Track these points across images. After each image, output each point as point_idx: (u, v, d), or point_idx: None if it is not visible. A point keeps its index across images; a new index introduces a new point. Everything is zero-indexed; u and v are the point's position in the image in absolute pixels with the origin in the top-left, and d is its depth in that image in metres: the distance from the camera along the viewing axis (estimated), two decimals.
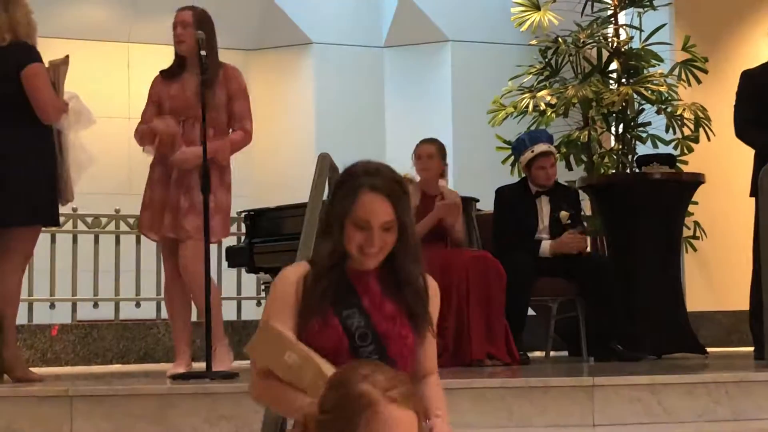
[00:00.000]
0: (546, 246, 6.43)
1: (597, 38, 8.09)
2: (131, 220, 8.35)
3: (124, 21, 11.02)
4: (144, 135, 5.45)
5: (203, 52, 5.13)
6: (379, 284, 2.74)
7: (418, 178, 6.59)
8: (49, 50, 5.45)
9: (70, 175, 5.29)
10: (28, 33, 5.20)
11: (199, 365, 5.61)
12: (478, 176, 8.98)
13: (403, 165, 7.49)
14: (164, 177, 5.44)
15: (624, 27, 8.14)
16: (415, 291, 2.75)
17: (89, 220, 8.26)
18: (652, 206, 6.76)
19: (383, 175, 2.71)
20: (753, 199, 5.86)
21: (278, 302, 2.69)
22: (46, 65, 5.27)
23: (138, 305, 8.42)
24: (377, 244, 2.66)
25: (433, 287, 2.84)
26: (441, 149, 6.46)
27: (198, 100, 5.17)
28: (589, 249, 7.05)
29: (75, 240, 8.18)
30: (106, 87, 10.54)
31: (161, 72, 5.62)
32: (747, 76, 6.24)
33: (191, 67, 5.48)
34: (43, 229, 5.39)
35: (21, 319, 5.98)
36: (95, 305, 8.28)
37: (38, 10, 5.36)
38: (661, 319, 6.71)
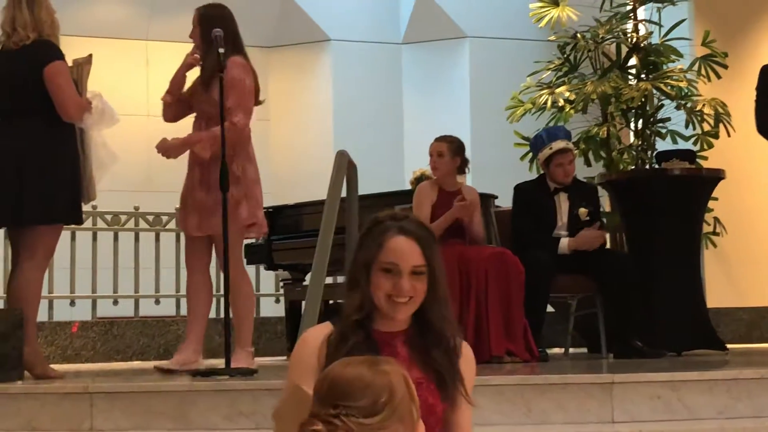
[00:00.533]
0: (565, 243, 6.41)
1: (616, 34, 8.05)
2: (150, 218, 8.38)
3: (142, 18, 11.05)
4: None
5: (221, 50, 5.14)
6: (406, 348, 2.59)
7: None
8: (68, 48, 5.47)
9: (93, 174, 5.31)
10: (51, 32, 5.23)
11: (218, 361, 5.64)
12: (496, 172, 8.96)
13: (421, 162, 7.50)
14: (190, 175, 5.50)
15: (643, 22, 8.11)
16: (444, 352, 2.58)
17: (109, 217, 8.29)
18: (671, 202, 6.73)
19: (412, 219, 2.63)
20: None
21: (302, 366, 2.52)
22: (70, 64, 5.30)
23: (157, 302, 8.45)
24: (407, 290, 2.53)
25: (468, 354, 2.65)
26: (453, 147, 6.42)
27: (200, 96, 5.25)
28: (608, 245, 7.02)
29: (95, 237, 8.21)
30: (125, 85, 10.57)
31: None
32: (766, 72, 6.21)
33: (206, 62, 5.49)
34: (64, 226, 5.41)
35: (41, 316, 6.01)
36: (115, 302, 8.31)
37: (57, 8, 5.38)
38: (681, 315, 6.68)
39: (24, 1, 5.23)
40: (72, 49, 5.54)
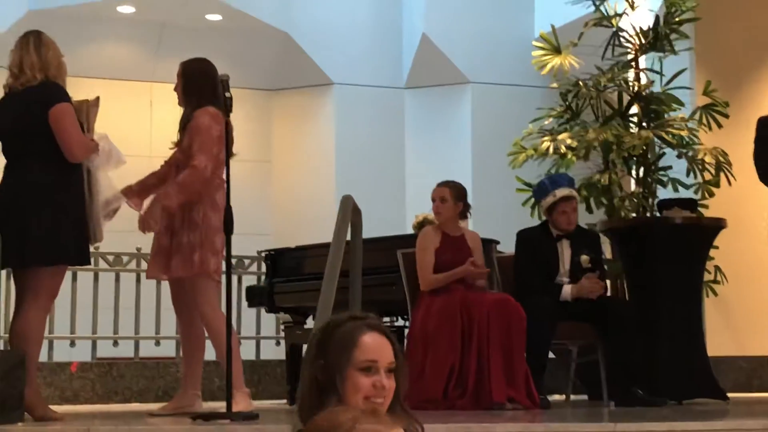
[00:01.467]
0: (567, 290, 6.43)
1: (618, 82, 8.11)
2: None
3: (148, 60, 11.12)
4: None
5: (228, 94, 5.17)
6: None
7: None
8: (74, 89, 5.51)
9: (99, 216, 5.33)
10: (58, 74, 5.27)
11: (217, 404, 5.63)
12: (497, 218, 8.98)
13: (423, 206, 7.52)
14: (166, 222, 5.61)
15: (645, 71, 8.16)
16: None
17: (111, 258, 8.29)
18: (673, 250, 6.75)
19: (372, 316, 2.54)
20: None
21: None
22: (76, 104, 5.34)
23: (158, 343, 8.43)
24: (388, 387, 2.45)
25: None
26: (456, 192, 6.47)
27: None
28: (609, 293, 7.03)
29: (96, 278, 8.21)
30: (128, 125, 10.60)
31: None
32: (763, 124, 6.24)
33: None
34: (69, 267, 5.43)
35: (41, 356, 6.00)
36: (115, 343, 8.29)
37: (63, 48, 5.42)
38: (682, 364, 6.68)
39: (32, 43, 5.27)
40: (78, 89, 5.59)
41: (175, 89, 5.76)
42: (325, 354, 2.46)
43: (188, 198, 5.42)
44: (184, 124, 5.60)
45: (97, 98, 5.45)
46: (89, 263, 5.62)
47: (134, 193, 5.74)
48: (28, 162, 5.20)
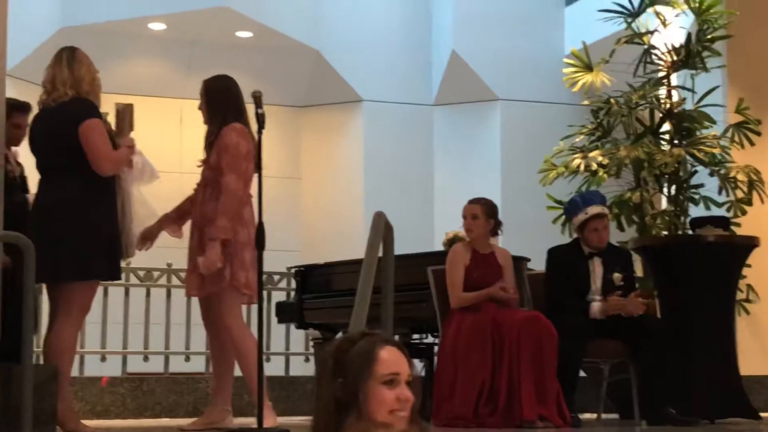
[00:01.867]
0: (595, 307, 6.40)
1: (649, 99, 8.08)
2: (183, 274, 8.39)
3: (178, 77, 11.17)
4: None
5: (260, 110, 5.18)
6: None
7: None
8: (104, 105, 5.57)
9: (132, 230, 5.36)
10: (90, 89, 5.31)
11: (247, 420, 5.62)
12: (528, 235, 8.94)
13: (452, 223, 7.51)
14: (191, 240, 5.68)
15: (677, 89, 8.14)
16: None
17: (141, 273, 8.31)
18: (705, 269, 6.72)
19: (383, 332, 2.58)
20: None
21: None
22: (112, 110, 5.40)
23: (187, 359, 8.44)
24: (411, 398, 2.48)
25: None
26: (487, 209, 6.46)
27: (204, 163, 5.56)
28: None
29: (127, 293, 8.23)
30: (158, 142, 10.65)
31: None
32: None
33: None
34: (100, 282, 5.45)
35: (72, 371, 6.02)
36: (145, 358, 8.31)
37: (96, 67, 5.47)
38: (715, 382, 6.63)
39: (65, 59, 5.32)
40: (109, 106, 5.63)
41: (200, 108, 5.77)
42: (344, 372, 2.48)
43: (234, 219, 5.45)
44: (210, 142, 5.61)
45: (131, 105, 5.52)
46: (120, 278, 5.61)
47: (172, 220, 5.76)
48: (60, 177, 5.24)
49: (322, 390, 2.51)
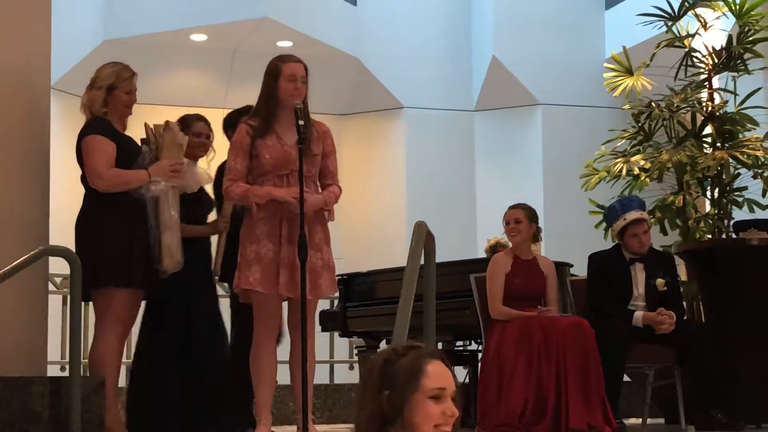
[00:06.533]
0: (638, 316, 6.38)
1: (691, 102, 8.03)
2: (226, 284, 8.43)
3: (219, 87, 11.25)
4: (256, 196, 5.30)
5: (300, 122, 5.20)
6: None
7: (510, 244, 6.61)
8: (147, 116, 5.69)
9: (166, 242, 5.39)
10: (107, 106, 5.40)
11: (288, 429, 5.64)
12: (570, 240, 8.95)
13: (494, 229, 7.51)
14: (273, 232, 5.29)
15: (718, 91, 8.08)
16: None
17: None
18: (750, 272, 6.68)
19: (429, 345, 2.61)
20: None
21: None
22: (161, 128, 5.47)
23: None
24: (456, 413, 2.48)
25: None
26: (529, 214, 6.48)
27: (297, 155, 5.22)
28: (685, 315, 6.96)
29: None
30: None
31: (250, 123, 5.43)
32: None
33: (284, 121, 5.41)
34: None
35: (120, 381, 6.07)
36: None
37: (138, 78, 5.54)
38: (761, 386, 6.59)
39: (88, 83, 5.48)
40: (151, 117, 5.73)
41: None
42: (390, 384, 2.48)
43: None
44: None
45: (167, 122, 5.58)
46: (149, 292, 5.50)
47: None
48: (85, 194, 5.45)
49: (366, 401, 2.51)
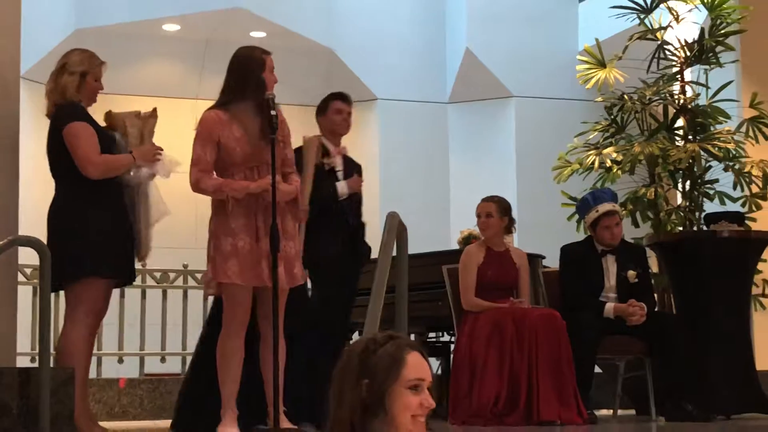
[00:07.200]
0: (609, 308, 6.41)
1: (663, 95, 8.06)
2: (199, 275, 8.43)
3: (192, 77, 11.20)
4: (233, 191, 5.23)
5: (273, 112, 5.17)
6: None
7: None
8: (118, 107, 5.62)
9: (143, 230, 5.36)
10: (80, 92, 5.31)
11: None
12: (543, 232, 8.96)
13: (467, 221, 7.52)
14: (249, 225, 5.24)
15: (690, 84, 8.11)
16: None
17: (158, 275, 8.35)
18: (720, 264, 6.71)
19: (406, 337, 2.62)
20: None
21: None
22: (134, 116, 5.42)
23: None
24: (433, 404, 2.52)
25: None
26: (501, 207, 6.48)
27: (265, 145, 5.18)
28: (656, 307, 6.99)
29: (144, 295, 8.27)
30: (173, 142, 10.67)
31: (218, 112, 5.35)
32: None
33: (250, 111, 5.33)
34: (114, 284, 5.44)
35: (89, 373, 6.04)
36: (163, 359, 8.34)
37: (110, 68, 5.48)
38: (731, 378, 6.63)
39: (55, 70, 5.37)
40: (122, 107, 5.67)
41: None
42: (370, 373, 2.50)
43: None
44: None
45: (154, 110, 5.53)
46: (129, 280, 5.51)
47: None
48: (59, 183, 5.32)
49: (345, 389, 2.52)
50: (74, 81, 5.31)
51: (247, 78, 5.34)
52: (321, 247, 5.76)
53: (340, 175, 6.12)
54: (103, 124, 5.44)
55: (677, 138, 8.03)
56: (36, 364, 5.00)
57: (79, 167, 5.21)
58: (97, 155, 5.23)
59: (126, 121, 5.48)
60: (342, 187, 6.05)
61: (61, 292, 5.40)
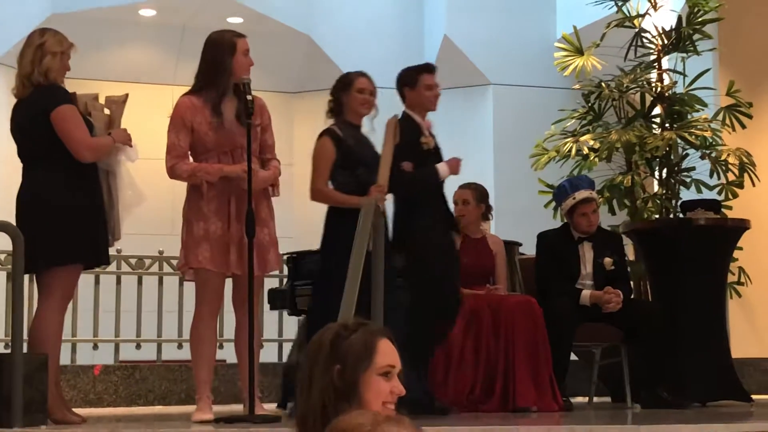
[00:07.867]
0: (586, 295, 6.42)
1: (640, 83, 8.06)
2: (174, 262, 8.38)
3: (168, 63, 11.14)
4: (207, 174, 5.24)
5: (249, 97, 5.15)
6: None
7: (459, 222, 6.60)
8: (97, 92, 5.55)
9: (118, 215, 5.33)
10: (58, 74, 5.25)
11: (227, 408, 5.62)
12: (520, 219, 8.96)
13: None
14: (222, 210, 5.25)
15: (667, 72, 8.12)
16: None
17: (133, 261, 8.30)
18: (696, 252, 6.73)
19: (375, 324, 2.60)
20: None
21: None
22: (103, 101, 5.36)
23: (180, 346, 8.43)
24: (403, 391, 2.52)
25: None
26: (478, 194, 6.49)
27: (241, 130, 5.17)
28: (632, 295, 7.00)
29: (119, 281, 8.22)
30: (149, 128, 10.61)
31: (191, 98, 5.35)
32: None
33: (223, 96, 5.32)
34: (89, 270, 5.41)
35: (64, 359, 6.01)
36: (138, 346, 8.30)
37: (86, 54, 5.44)
38: (706, 365, 6.65)
39: (32, 48, 5.27)
40: (100, 92, 5.61)
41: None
42: (341, 358, 2.49)
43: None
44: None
45: (126, 95, 5.48)
46: (108, 262, 5.51)
47: None
48: (37, 166, 5.24)
49: (316, 375, 2.50)
50: (56, 62, 5.26)
51: (217, 63, 5.32)
52: (432, 236, 5.65)
53: (441, 156, 6.07)
54: None
55: (654, 126, 8.04)
56: (9, 350, 4.95)
57: (73, 151, 5.15)
58: (90, 138, 5.21)
59: (88, 104, 5.43)
60: (443, 169, 5.96)
61: (34, 276, 5.36)
